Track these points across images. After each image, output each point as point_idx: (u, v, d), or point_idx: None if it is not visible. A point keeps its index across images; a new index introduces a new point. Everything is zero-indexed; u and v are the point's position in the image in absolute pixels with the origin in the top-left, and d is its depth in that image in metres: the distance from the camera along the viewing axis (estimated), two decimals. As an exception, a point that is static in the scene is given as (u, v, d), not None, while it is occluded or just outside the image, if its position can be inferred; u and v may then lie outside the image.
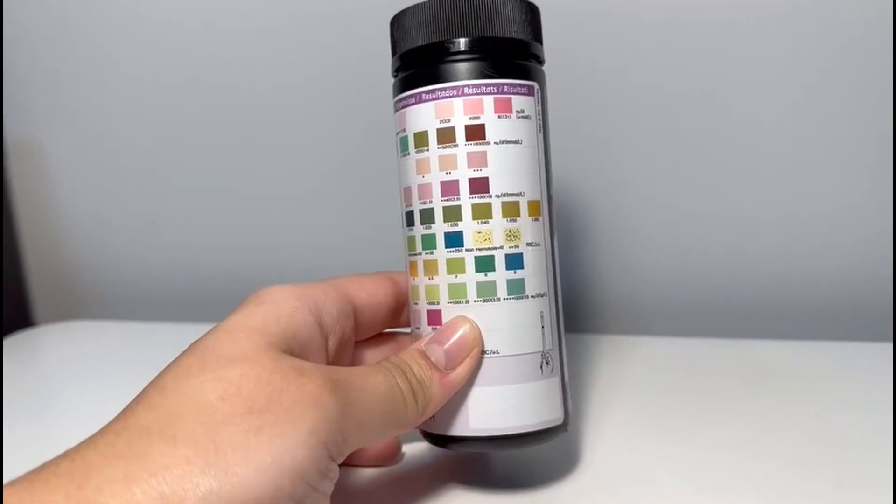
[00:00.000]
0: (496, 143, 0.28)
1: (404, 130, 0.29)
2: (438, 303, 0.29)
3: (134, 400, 0.23)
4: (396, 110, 0.30)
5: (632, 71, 0.45)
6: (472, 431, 0.29)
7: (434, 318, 0.29)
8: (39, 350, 0.48)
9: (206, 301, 0.50)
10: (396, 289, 0.32)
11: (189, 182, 0.54)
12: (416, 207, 0.29)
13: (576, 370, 0.41)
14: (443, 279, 0.29)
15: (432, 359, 0.28)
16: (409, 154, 0.29)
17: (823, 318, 0.44)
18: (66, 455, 0.22)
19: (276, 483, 0.21)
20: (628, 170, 0.46)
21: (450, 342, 0.28)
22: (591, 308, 0.48)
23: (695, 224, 0.46)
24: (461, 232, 0.28)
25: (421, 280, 0.29)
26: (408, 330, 0.32)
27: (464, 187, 0.28)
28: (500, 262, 0.28)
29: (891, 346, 0.41)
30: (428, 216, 0.29)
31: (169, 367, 0.24)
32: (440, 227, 0.29)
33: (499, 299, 0.28)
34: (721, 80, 0.43)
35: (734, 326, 0.46)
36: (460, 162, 0.28)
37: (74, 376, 0.43)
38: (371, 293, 0.31)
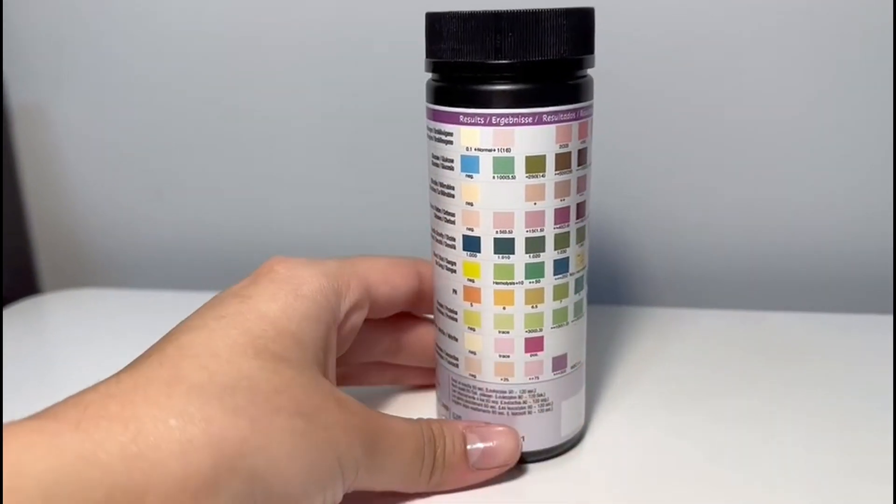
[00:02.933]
0: (588, 165, 0.28)
1: (508, 151, 0.26)
2: (541, 329, 0.28)
3: (164, 352, 0.23)
4: (489, 124, 0.26)
5: (661, 74, 0.45)
6: (561, 438, 0.30)
7: (534, 345, 0.28)
8: (45, 318, 0.47)
9: (214, 269, 0.49)
10: (421, 285, 0.31)
11: (197, 149, 0.51)
12: (521, 235, 0.27)
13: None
14: (548, 306, 0.28)
15: (468, 447, 0.28)
16: (513, 178, 0.26)
17: (829, 290, 0.47)
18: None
19: (304, 485, 0.23)
20: (656, 158, 0.47)
21: (493, 446, 0.28)
22: (604, 281, 0.49)
23: (713, 204, 0.47)
24: (567, 258, 0.28)
25: (519, 309, 0.28)
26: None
27: (572, 213, 0.28)
28: (585, 280, 0.30)
29: (891, 317, 0.43)
30: (537, 244, 0.27)
31: (209, 331, 0.24)
32: (550, 255, 0.28)
33: (583, 314, 0.30)
34: (734, 81, 0.45)
35: (748, 298, 0.48)
36: (572, 188, 0.28)
37: (81, 344, 0.42)
38: (394, 286, 0.30)
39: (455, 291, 0.29)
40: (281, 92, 0.49)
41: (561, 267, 0.28)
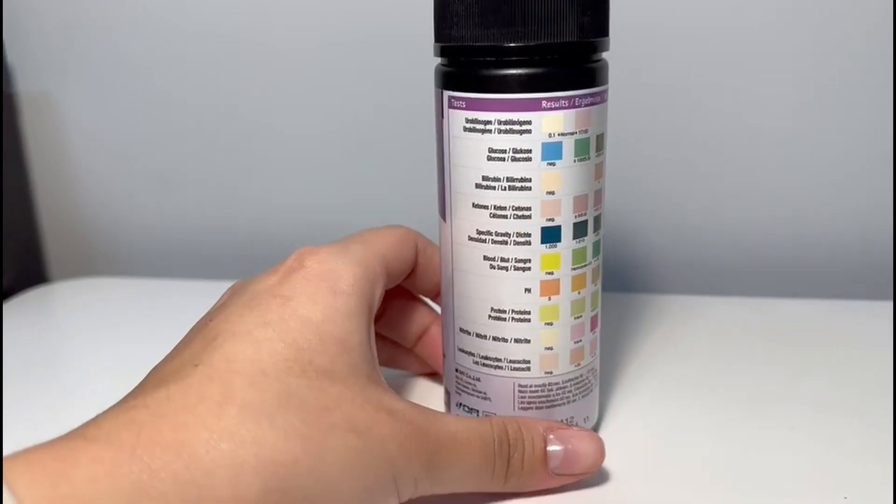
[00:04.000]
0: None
1: (586, 132, 0.26)
2: (596, 308, 0.29)
3: (212, 365, 0.22)
4: (572, 107, 0.25)
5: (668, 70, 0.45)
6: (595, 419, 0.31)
7: (594, 321, 0.29)
8: (53, 307, 0.47)
9: (222, 257, 0.50)
10: (416, 257, 0.30)
11: (204, 138, 0.51)
12: (591, 216, 0.27)
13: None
14: (600, 280, 0.29)
15: (549, 449, 0.26)
16: (588, 159, 0.26)
17: (837, 276, 0.47)
18: (153, 425, 0.20)
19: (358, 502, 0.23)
20: (665, 147, 0.47)
21: (576, 449, 0.27)
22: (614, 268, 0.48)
23: (717, 192, 0.48)
24: (602, 237, 0.29)
25: (588, 289, 0.28)
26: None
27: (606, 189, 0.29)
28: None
29: (891, 304, 0.42)
30: (598, 222, 0.28)
31: (256, 343, 0.23)
32: (601, 231, 0.28)
33: (592, 285, 0.31)
34: (740, 71, 0.45)
35: (756, 285, 0.48)
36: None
37: (89, 333, 0.42)
38: (402, 261, 0.29)
39: (528, 290, 0.27)
40: (288, 80, 0.48)
41: (600, 244, 0.29)
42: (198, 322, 0.26)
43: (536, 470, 0.26)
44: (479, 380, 0.29)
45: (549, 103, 0.25)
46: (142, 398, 0.21)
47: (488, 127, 0.25)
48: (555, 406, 0.28)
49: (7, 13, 0.49)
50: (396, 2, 0.45)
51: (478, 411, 0.29)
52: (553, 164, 0.26)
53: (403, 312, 0.32)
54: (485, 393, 0.29)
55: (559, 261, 0.27)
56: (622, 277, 0.50)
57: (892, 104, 0.44)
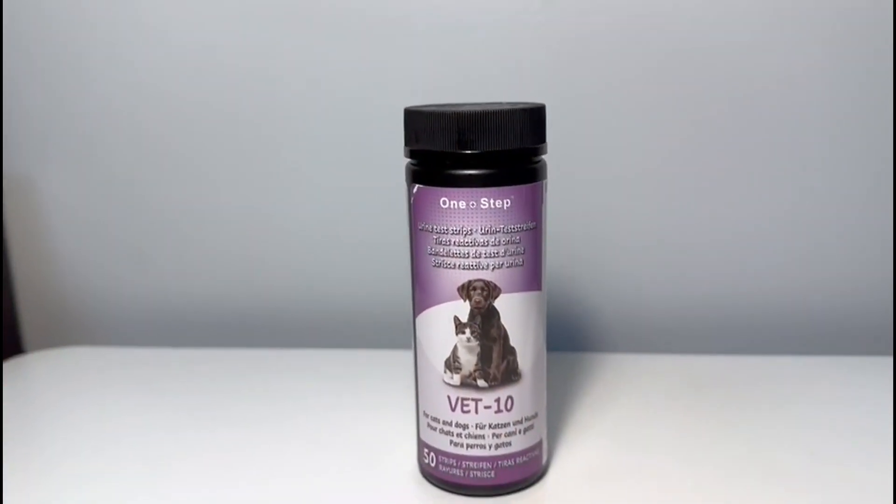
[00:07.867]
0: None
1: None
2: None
3: None
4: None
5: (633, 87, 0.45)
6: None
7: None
8: (30, 377, 0.49)
9: (199, 326, 0.52)
10: None
11: (179, 208, 0.53)
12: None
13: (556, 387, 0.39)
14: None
15: None
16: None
17: (823, 332, 0.47)
18: None
19: None
20: (625, 185, 0.47)
21: None
22: (574, 328, 0.49)
23: (692, 241, 0.47)
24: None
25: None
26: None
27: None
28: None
29: (891, 359, 0.41)
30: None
31: None
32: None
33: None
34: (719, 97, 0.44)
35: (730, 343, 0.48)
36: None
37: (67, 403, 0.43)
38: None
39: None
40: (269, 152, 0.49)
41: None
42: None
43: None
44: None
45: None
46: None
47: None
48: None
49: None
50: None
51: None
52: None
53: None
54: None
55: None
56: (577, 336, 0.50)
57: (891, 151, 0.43)
